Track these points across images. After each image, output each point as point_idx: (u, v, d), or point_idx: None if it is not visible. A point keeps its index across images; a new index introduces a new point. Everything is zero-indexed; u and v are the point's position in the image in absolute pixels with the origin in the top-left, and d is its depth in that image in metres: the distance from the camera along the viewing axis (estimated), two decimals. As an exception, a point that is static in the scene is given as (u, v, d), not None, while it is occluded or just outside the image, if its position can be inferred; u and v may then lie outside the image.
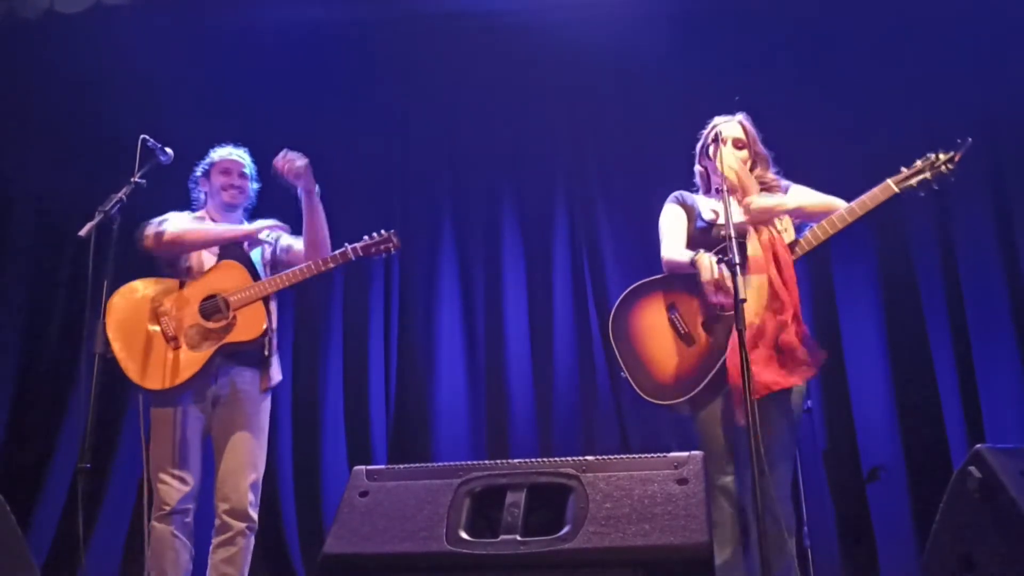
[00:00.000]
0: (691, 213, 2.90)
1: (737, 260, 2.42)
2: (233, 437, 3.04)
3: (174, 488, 2.95)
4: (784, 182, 2.89)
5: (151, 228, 3.13)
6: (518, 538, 1.71)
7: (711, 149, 2.80)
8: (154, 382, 2.95)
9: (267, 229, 3.23)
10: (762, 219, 2.66)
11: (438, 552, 1.73)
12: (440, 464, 1.95)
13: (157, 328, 3.03)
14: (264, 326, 3.05)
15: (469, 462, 1.90)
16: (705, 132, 2.96)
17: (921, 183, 2.66)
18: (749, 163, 2.88)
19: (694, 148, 3.03)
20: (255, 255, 3.26)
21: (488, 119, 4.90)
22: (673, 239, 2.86)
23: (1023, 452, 2.01)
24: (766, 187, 2.84)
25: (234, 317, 3.03)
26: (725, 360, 2.62)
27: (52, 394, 4.55)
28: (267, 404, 3.16)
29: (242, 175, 3.30)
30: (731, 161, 2.74)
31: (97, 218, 2.81)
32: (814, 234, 2.70)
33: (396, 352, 4.65)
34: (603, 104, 4.80)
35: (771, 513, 2.41)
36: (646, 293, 2.84)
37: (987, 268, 4.21)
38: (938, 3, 4.40)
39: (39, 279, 4.74)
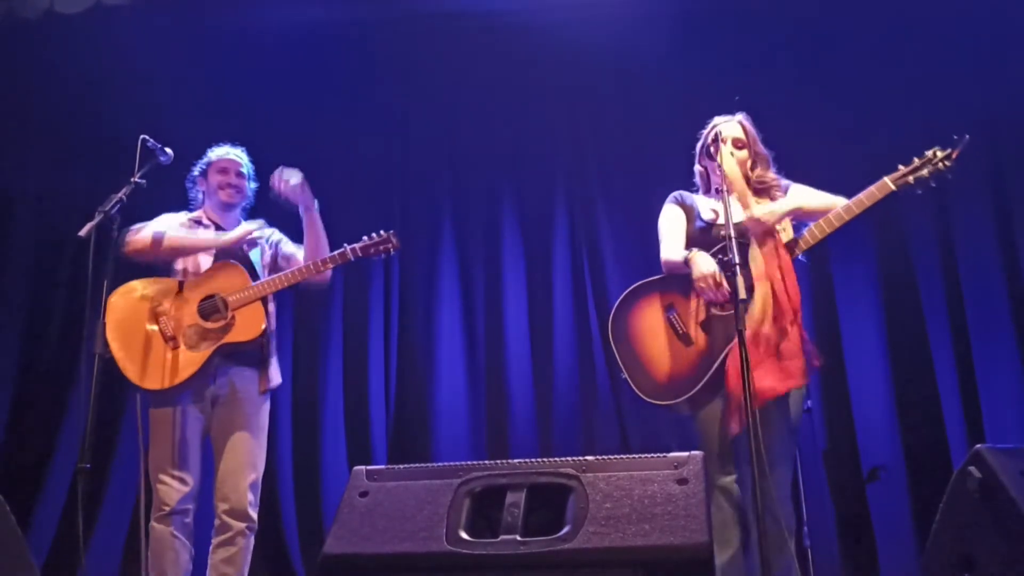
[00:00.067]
0: (690, 213, 2.90)
1: (737, 260, 2.42)
2: (232, 437, 3.04)
3: (174, 488, 2.95)
4: (784, 181, 2.89)
5: (131, 234, 3.09)
6: (518, 538, 1.71)
7: (712, 149, 2.80)
8: (153, 382, 2.95)
9: (249, 235, 3.16)
10: (763, 228, 2.65)
11: (438, 552, 1.73)
12: (440, 464, 1.95)
13: (156, 328, 3.02)
14: (263, 326, 3.05)
15: (469, 462, 1.90)
16: (705, 132, 2.96)
17: (918, 181, 2.66)
18: (749, 163, 2.88)
19: (694, 148, 3.03)
20: (254, 255, 3.25)
21: (488, 119, 4.90)
22: (672, 240, 2.86)
23: (1023, 452, 2.01)
24: (766, 187, 2.84)
25: (233, 317, 3.03)
26: (724, 360, 2.62)
27: (52, 394, 4.55)
28: (266, 405, 3.16)
29: (239, 174, 3.30)
30: (730, 166, 2.74)
31: (97, 218, 2.81)
32: (811, 233, 2.71)
33: (396, 352, 4.66)
34: (603, 104, 4.80)
35: (771, 513, 2.41)
36: (644, 294, 2.84)
37: (987, 268, 4.21)
38: (938, 3, 4.40)
39: (39, 279, 4.74)
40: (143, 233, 3.10)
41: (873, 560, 3.98)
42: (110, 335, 2.96)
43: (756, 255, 2.64)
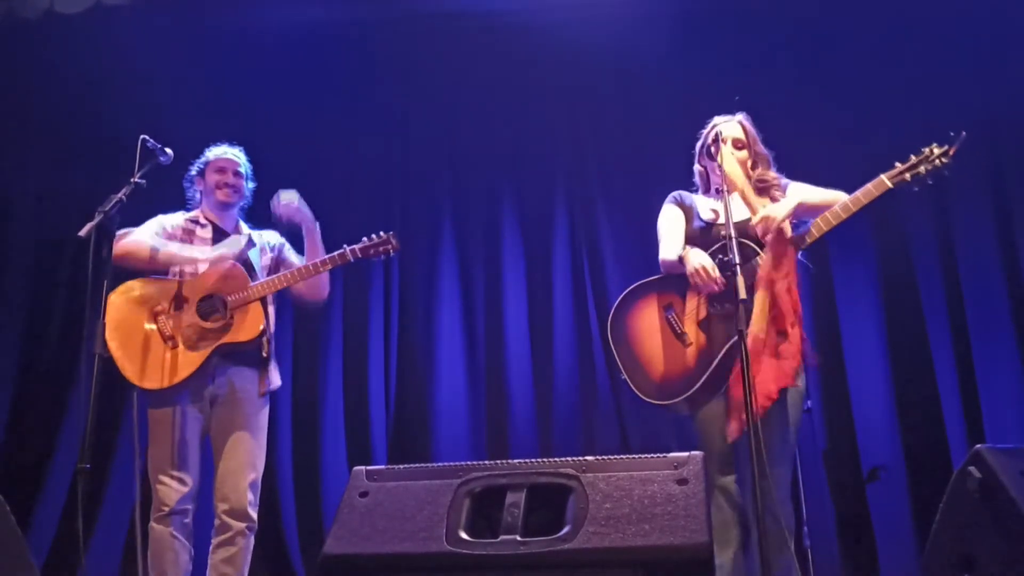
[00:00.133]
0: (689, 213, 2.90)
1: (737, 260, 2.42)
2: (232, 437, 3.03)
3: (173, 489, 2.94)
4: (784, 180, 2.89)
5: (116, 240, 3.02)
6: (518, 538, 1.71)
7: (712, 149, 2.79)
8: (151, 381, 2.95)
9: (231, 253, 3.11)
10: (770, 227, 2.64)
11: (438, 552, 1.73)
12: (440, 464, 1.95)
13: (154, 327, 3.02)
14: (261, 327, 3.05)
15: (469, 462, 1.90)
16: (705, 132, 2.96)
17: (915, 178, 2.66)
18: (750, 163, 2.88)
19: (694, 148, 3.02)
20: (253, 255, 3.25)
21: (488, 119, 4.90)
22: (670, 240, 2.86)
23: (1023, 452, 2.01)
24: (766, 186, 2.84)
25: (232, 317, 3.02)
26: (722, 359, 2.62)
27: (52, 394, 4.55)
28: (266, 405, 3.16)
29: (237, 173, 3.28)
30: (731, 166, 2.74)
31: (97, 218, 2.80)
32: (809, 232, 2.70)
33: (396, 352, 4.66)
34: (603, 104, 4.80)
35: (771, 513, 2.41)
36: (643, 294, 2.84)
37: (987, 268, 4.21)
38: (938, 3, 4.40)
39: (39, 279, 4.74)
40: (127, 240, 3.05)
41: (873, 560, 3.98)
42: (109, 335, 2.95)
43: (761, 257, 2.65)
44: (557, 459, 1.85)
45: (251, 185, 3.37)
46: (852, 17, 4.51)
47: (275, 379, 3.18)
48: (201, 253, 3.11)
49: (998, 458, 1.95)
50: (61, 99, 4.84)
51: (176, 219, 3.24)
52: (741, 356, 2.29)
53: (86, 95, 4.79)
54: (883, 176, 2.67)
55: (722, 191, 2.62)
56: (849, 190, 2.70)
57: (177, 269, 3.13)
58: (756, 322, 2.54)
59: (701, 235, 2.82)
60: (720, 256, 2.66)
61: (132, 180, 2.93)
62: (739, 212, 2.75)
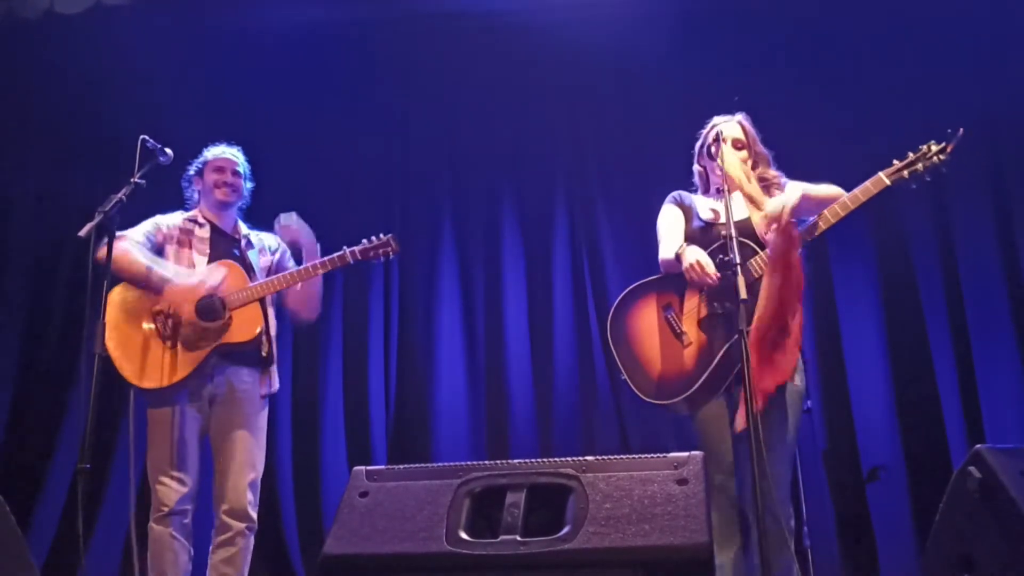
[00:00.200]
0: (689, 213, 2.90)
1: (738, 260, 2.42)
2: (231, 437, 3.03)
3: (172, 489, 2.94)
4: (784, 179, 2.89)
5: (104, 243, 2.95)
6: (518, 538, 1.71)
7: (712, 149, 2.79)
8: (149, 381, 2.95)
9: (207, 285, 3.03)
10: (785, 211, 2.64)
11: (438, 552, 1.72)
12: (440, 464, 1.94)
13: (153, 327, 3.02)
14: (259, 328, 3.05)
15: (469, 462, 1.90)
16: (704, 132, 2.96)
17: (913, 175, 2.66)
18: (750, 163, 2.88)
19: (693, 148, 3.03)
20: (252, 256, 3.24)
21: (488, 119, 4.90)
22: (669, 240, 2.86)
23: (1023, 452, 2.01)
24: (766, 184, 2.85)
25: (230, 318, 3.02)
26: (721, 359, 2.62)
27: (52, 394, 4.55)
28: (265, 406, 3.16)
29: (235, 173, 3.28)
30: (743, 173, 2.75)
31: (97, 218, 2.79)
32: (807, 231, 2.71)
33: (396, 352, 4.66)
34: (603, 104, 4.80)
35: (771, 513, 2.41)
36: (642, 294, 2.84)
37: (987, 268, 4.21)
38: (938, 3, 4.40)
39: (39, 279, 4.74)
40: (117, 246, 2.95)
41: (873, 560, 3.98)
42: (107, 334, 2.94)
43: (761, 256, 2.65)
44: (557, 459, 1.85)
45: (249, 185, 3.36)
46: (852, 17, 4.51)
47: (275, 383, 3.18)
48: (175, 275, 3.04)
49: (998, 458, 1.95)
50: (61, 99, 4.85)
51: (174, 219, 3.23)
52: (742, 356, 2.29)
53: (86, 95, 4.79)
54: (881, 174, 2.67)
55: (722, 191, 2.62)
56: (848, 189, 2.70)
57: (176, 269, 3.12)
58: (763, 308, 2.53)
59: (700, 235, 2.82)
60: (720, 256, 2.66)
61: (132, 180, 2.92)
62: (739, 212, 2.75)
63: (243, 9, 4.69)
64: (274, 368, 3.17)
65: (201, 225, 3.22)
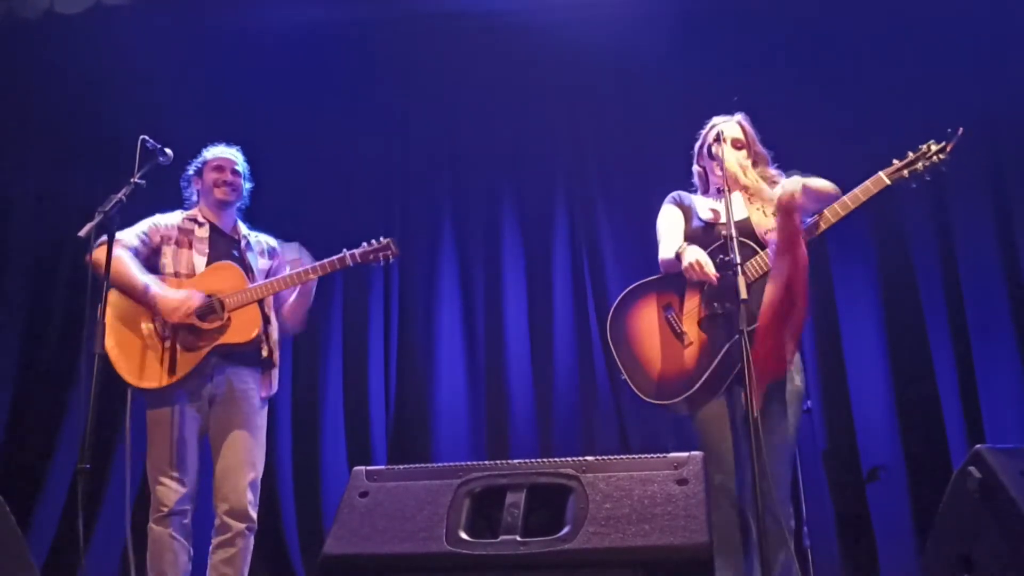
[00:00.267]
0: (688, 213, 2.90)
1: (738, 260, 2.43)
2: (231, 436, 3.03)
3: (172, 489, 2.94)
4: (783, 178, 2.89)
5: (97, 248, 2.97)
6: (518, 538, 1.71)
7: (713, 148, 2.79)
8: (148, 380, 2.94)
9: (188, 305, 2.99)
10: (791, 203, 2.63)
11: (438, 553, 1.73)
12: (440, 464, 1.94)
13: (151, 327, 3.01)
14: (258, 329, 3.05)
15: (469, 462, 1.90)
16: (704, 132, 2.96)
17: (913, 174, 2.67)
18: (749, 163, 2.88)
19: (693, 148, 3.03)
20: (252, 258, 3.24)
21: (488, 119, 4.90)
22: (669, 240, 2.86)
23: (1023, 452, 2.01)
24: (766, 182, 2.85)
25: (228, 319, 3.02)
26: (721, 359, 2.62)
27: (52, 394, 4.55)
28: (265, 406, 3.16)
29: (235, 172, 3.27)
30: (740, 166, 2.74)
31: (97, 218, 2.79)
32: (808, 230, 2.70)
33: (396, 352, 4.66)
34: (603, 104, 4.80)
35: (771, 513, 2.41)
36: (642, 294, 2.84)
37: (987, 268, 4.21)
38: (938, 3, 4.40)
39: (39, 279, 4.74)
40: (114, 253, 2.92)
41: (873, 560, 3.98)
42: (106, 334, 2.93)
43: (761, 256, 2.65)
44: (557, 459, 1.85)
45: (249, 185, 3.36)
46: (852, 17, 4.51)
47: (274, 385, 3.18)
48: (160, 288, 3.01)
49: (998, 458, 1.94)
50: (61, 99, 4.85)
51: (173, 218, 3.22)
52: (743, 356, 2.29)
53: (86, 95, 4.79)
54: (881, 173, 2.67)
55: (722, 191, 2.62)
56: (848, 189, 2.70)
57: (171, 272, 3.11)
58: (772, 293, 2.53)
59: (700, 235, 2.82)
60: (720, 256, 2.66)
61: (132, 180, 2.92)
62: (739, 212, 2.75)
63: (243, 9, 4.69)
64: (275, 371, 3.17)
65: (200, 224, 3.22)
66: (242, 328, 3.02)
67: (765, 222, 2.74)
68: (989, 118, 4.25)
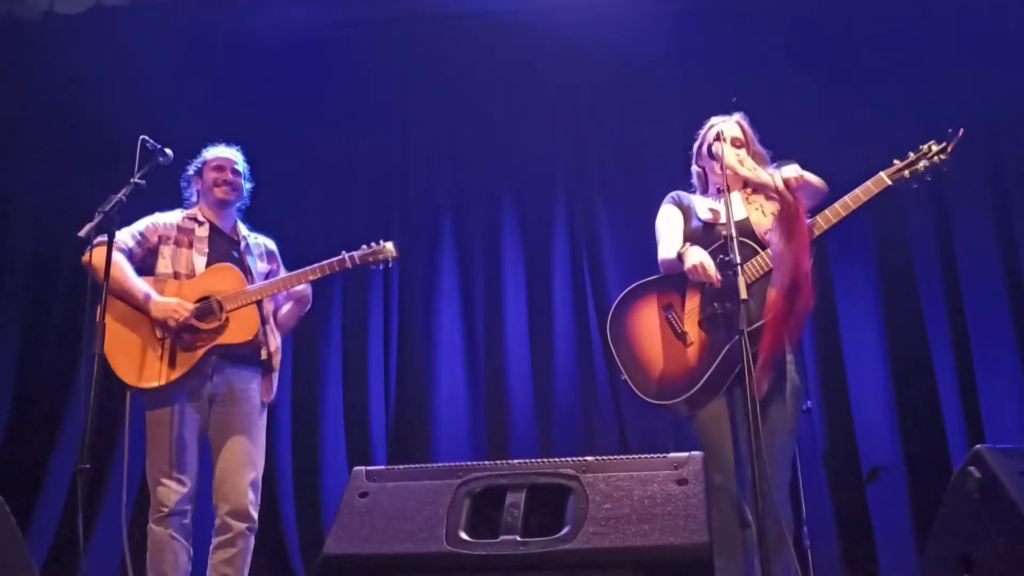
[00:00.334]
0: (688, 213, 2.90)
1: (738, 260, 2.43)
2: (230, 437, 3.03)
3: (172, 490, 2.94)
4: None
5: (93, 249, 2.97)
6: (518, 539, 1.71)
7: (715, 147, 2.79)
8: (147, 381, 2.94)
9: (180, 313, 2.98)
10: (796, 183, 2.63)
11: (438, 553, 1.72)
12: (440, 465, 1.94)
13: (149, 327, 3.01)
14: (256, 330, 3.05)
15: (469, 463, 1.90)
16: (702, 132, 2.96)
17: (914, 175, 2.67)
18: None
19: (692, 149, 3.02)
20: (251, 260, 3.24)
21: (488, 119, 4.90)
22: (669, 240, 2.86)
23: (1023, 452, 2.01)
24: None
25: (226, 319, 3.02)
26: (722, 360, 2.62)
27: (52, 394, 4.55)
28: (265, 409, 3.16)
29: (235, 172, 3.27)
30: (736, 159, 2.74)
31: (97, 218, 2.79)
32: (809, 230, 2.70)
33: (396, 352, 4.66)
34: (603, 104, 4.80)
35: (771, 514, 2.41)
36: (642, 294, 2.84)
37: (987, 268, 4.21)
38: (938, 3, 4.40)
39: (39, 279, 4.74)
40: (115, 257, 2.93)
41: (873, 560, 3.98)
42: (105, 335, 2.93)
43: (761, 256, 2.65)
44: (557, 459, 1.85)
45: (249, 185, 3.36)
46: (852, 17, 4.52)
47: (274, 390, 3.18)
48: (152, 294, 3.01)
49: (998, 458, 1.94)
50: (61, 99, 4.85)
51: (172, 217, 3.22)
52: (744, 357, 2.29)
53: (86, 95, 4.80)
54: (882, 173, 2.67)
55: (722, 190, 2.62)
56: (848, 190, 2.70)
57: (170, 272, 3.11)
58: (780, 278, 2.54)
59: (700, 235, 2.81)
60: (720, 256, 2.66)
61: (132, 180, 2.92)
62: (738, 212, 2.75)
63: (243, 9, 4.69)
64: (275, 376, 3.17)
65: (201, 224, 3.22)
66: (240, 329, 3.03)
67: (764, 222, 2.74)
68: (989, 118, 4.26)
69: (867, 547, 4.01)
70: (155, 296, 3.00)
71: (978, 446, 2.00)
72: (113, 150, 4.64)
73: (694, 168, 3.03)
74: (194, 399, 3.02)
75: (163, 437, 2.97)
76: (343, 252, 3.14)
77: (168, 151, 3.04)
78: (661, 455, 1.81)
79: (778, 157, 2.96)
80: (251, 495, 3.01)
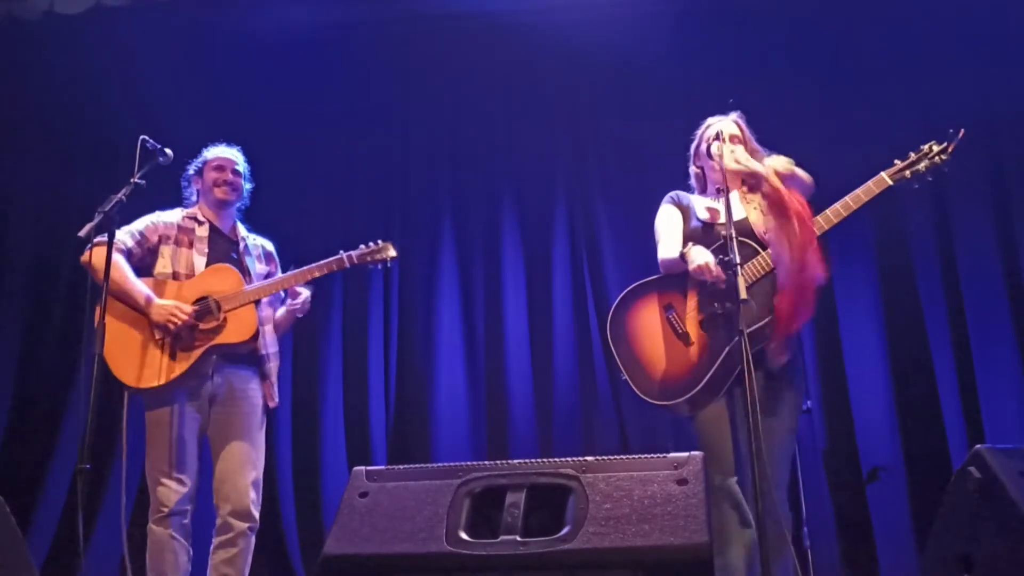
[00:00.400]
0: (687, 213, 2.89)
1: (738, 260, 2.43)
2: (231, 436, 3.03)
3: (172, 490, 2.93)
4: None
5: (92, 249, 2.98)
6: (518, 539, 1.71)
7: (714, 147, 2.79)
8: (146, 381, 2.94)
9: (176, 317, 2.98)
10: (785, 174, 2.65)
11: (438, 553, 1.72)
12: (440, 465, 1.94)
13: (148, 328, 3.01)
14: (254, 330, 3.05)
15: (469, 463, 1.90)
16: (699, 133, 2.96)
17: (915, 175, 2.67)
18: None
19: (689, 150, 3.02)
20: (250, 261, 3.24)
21: (488, 119, 4.90)
22: (669, 239, 2.86)
23: (1023, 452, 2.01)
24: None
25: (224, 319, 3.02)
26: (723, 360, 2.62)
27: (52, 394, 4.55)
28: (265, 411, 3.16)
29: (235, 172, 3.27)
30: (729, 153, 2.74)
31: (97, 218, 2.79)
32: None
33: (396, 352, 4.66)
34: (603, 104, 4.80)
35: (771, 514, 2.41)
36: (643, 294, 2.84)
37: (987, 268, 4.21)
38: (938, 3, 4.40)
39: (39, 279, 4.74)
40: (115, 258, 2.91)
41: (873, 560, 3.98)
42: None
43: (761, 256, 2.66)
44: (557, 459, 1.85)
45: (248, 186, 3.35)
46: (852, 17, 4.52)
47: (275, 396, 3.17)
48: (152, 296, 3.01)
49: (998, 458, 1.95)
50: (61, 99, 4.85)
51: (172, 216, 3.22)
52: (744, 357, 2.29)
53: (86, 95, 4.80)
54: (883, 174, 2.68)
55: (722, 190, 2.62)
56: (849, 190, 2.70)
57: (170, 272, 3.11)
58: (788, 258, 2.55)
59: (700, 235, 2.81)
60: (720, 256, 2.66)
61: (132, 180, 2.92)
62: (737, 211, 2.75)
63: (243, 9, 4.69)
64: (273, 381, 3.16)
65: (200, 223, 3.21)
66: (238, 329, 3.03)
67: (763, 221, 2.74)
68: (989, 118, 4.26)
69: (867, 547, 4.01)
70: (155, 299, 3.00)
71: (978, 446, 2.01)
72: (113, 150, 4.64)
73: (692, 170, 3.03)
74: (194, 399, 3.02)
75: (163, 437, 2.97)
76: (340, 252, 3.14)
77: (168, 151, 3.04)
78: (661, 455, 1.82)
79: (778, 157, 2.96)
80: (252, 494, 3.01)
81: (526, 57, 4.73)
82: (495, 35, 4.76)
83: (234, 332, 3.02)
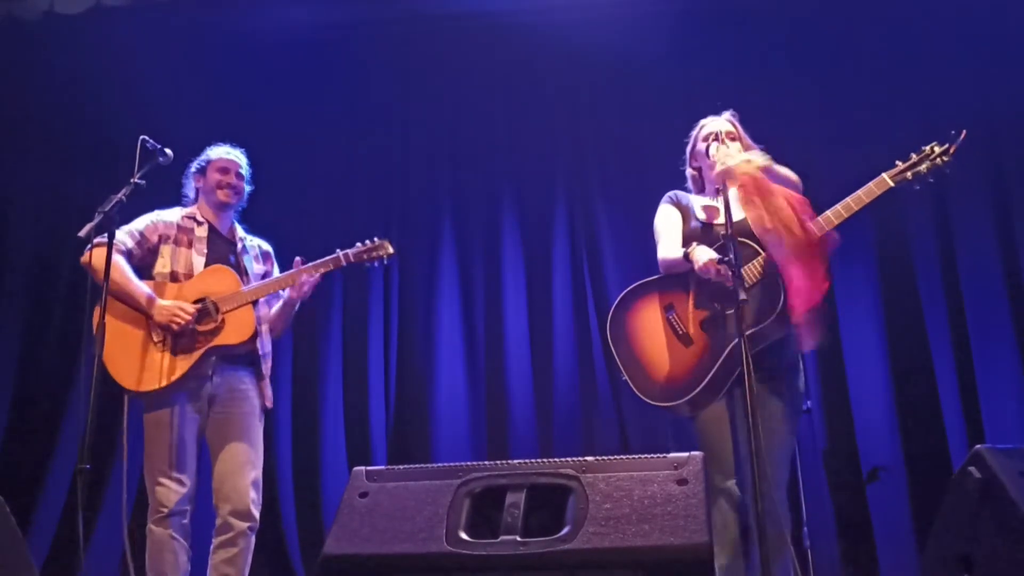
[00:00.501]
0: (686, 213, 2.89)
1: (737, 260, 2.42)
2: (230, 437, 3.03)
3: (172, 490, 2.93)
4: None
5: (92, 248, 2.98)
6: (518, 539, 1.71)
7: (713, 147, 2.78)
8: (146, 384, 2.94)
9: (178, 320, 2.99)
10: (767, 168, 2.65)
11: (438, 553, 1.72)
12: (440, 465, 1.94)
13: (147, 329, 3.01)
14: (253, 330, 3.05)
15: (469, 463, 1.90)
16: (694, 134, 2.96)
17: (916, 177, 2.67)
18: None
19: (685, 151, 3.02)
20: (247, 262, 3.24)
21: (488, 119, 4.90)
22: (668, 239, 2.85)
23: (1023, 452, 2.01)
24: None
25: (222, 320, 3.02)
26: (724, 361, 2.62)
27: (52, 394, 4.55)
28: (263, 412, 3.16)
29: (239, 175, 3.27)
30: (727, 151, 2.74)
31: (97, 218, 2.79)
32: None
33: (396, 352, 4.66)
34: (603, 104, 4.80)
35: (770, 514, 2.41)
36: (643, 294, 2.83)
37: (987, 268, 4.21)
38: (938, 3, 4.40)
39: (39, 279, 4.74)
40: (115, 259, 2.91)
41: (873, 560, 3.98)
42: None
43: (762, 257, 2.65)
44: (557, 459, 1.85)
45: (249, 188, 3.35)
46: (852, 17, 4.52)
47: (268, 396, 3.17)
48: (154, 297, 3.02)
49: (998, 458, 1.95)
50: (61, 99, 4.85)
51: (172, 215, 3.21)
52: (743, 358, 2.29)
53: (86, 95, 4.80)
54: (885, 175, 2.67)
55: (720, 190, 2.61)
56: (849, 191, 2.70)
57: (169, 271, 3.11)
58: (773, 233, 2.54)
59: (699, 235, 2.81)
60: (720, 257, 2.66)
61: (132, 180, 2.92)
62: (738, 211, 2.74)
63: (243, 9, 4.70)
64: (267, 383, 3.16)
65: (200, 223, 3.21)
66: (237, 329, 3.03)
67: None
68: (989, 118, 4.26)
69: (867, 547, 4.01)
70: (157, 299, 3.00)
71: (978, 446, 2.00)
72: (113, 150, 4.64)
73: (688, 171, 3.02)
74: (194, 400, 3.02)
75: (162, 438, 2.97)
76: (337, 250, 3.14)
77: (168, 151, 3.04)
78: (661, 455, 1.81)
79: (778, 157, 2.95)
80: (253, 494, 3.01)
81: (526, 57, 4.73)
82: (495, 35, 4.76)
83: (233, 333, 3.02)
